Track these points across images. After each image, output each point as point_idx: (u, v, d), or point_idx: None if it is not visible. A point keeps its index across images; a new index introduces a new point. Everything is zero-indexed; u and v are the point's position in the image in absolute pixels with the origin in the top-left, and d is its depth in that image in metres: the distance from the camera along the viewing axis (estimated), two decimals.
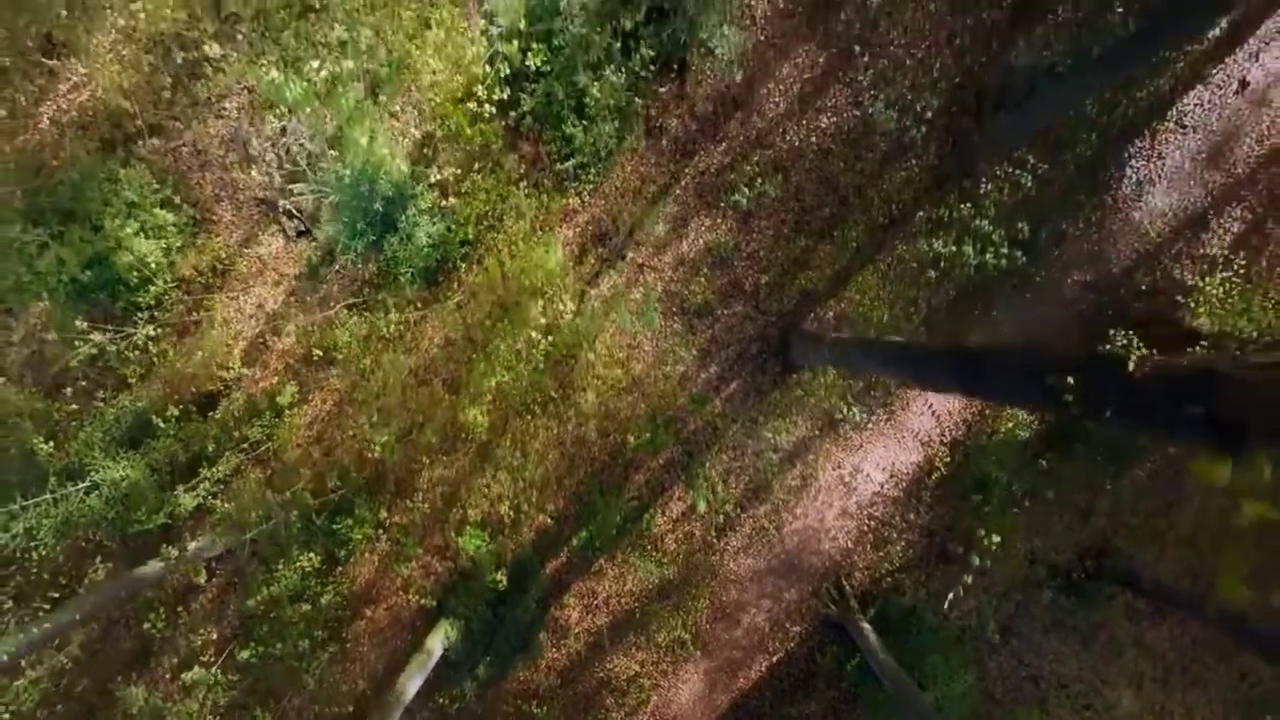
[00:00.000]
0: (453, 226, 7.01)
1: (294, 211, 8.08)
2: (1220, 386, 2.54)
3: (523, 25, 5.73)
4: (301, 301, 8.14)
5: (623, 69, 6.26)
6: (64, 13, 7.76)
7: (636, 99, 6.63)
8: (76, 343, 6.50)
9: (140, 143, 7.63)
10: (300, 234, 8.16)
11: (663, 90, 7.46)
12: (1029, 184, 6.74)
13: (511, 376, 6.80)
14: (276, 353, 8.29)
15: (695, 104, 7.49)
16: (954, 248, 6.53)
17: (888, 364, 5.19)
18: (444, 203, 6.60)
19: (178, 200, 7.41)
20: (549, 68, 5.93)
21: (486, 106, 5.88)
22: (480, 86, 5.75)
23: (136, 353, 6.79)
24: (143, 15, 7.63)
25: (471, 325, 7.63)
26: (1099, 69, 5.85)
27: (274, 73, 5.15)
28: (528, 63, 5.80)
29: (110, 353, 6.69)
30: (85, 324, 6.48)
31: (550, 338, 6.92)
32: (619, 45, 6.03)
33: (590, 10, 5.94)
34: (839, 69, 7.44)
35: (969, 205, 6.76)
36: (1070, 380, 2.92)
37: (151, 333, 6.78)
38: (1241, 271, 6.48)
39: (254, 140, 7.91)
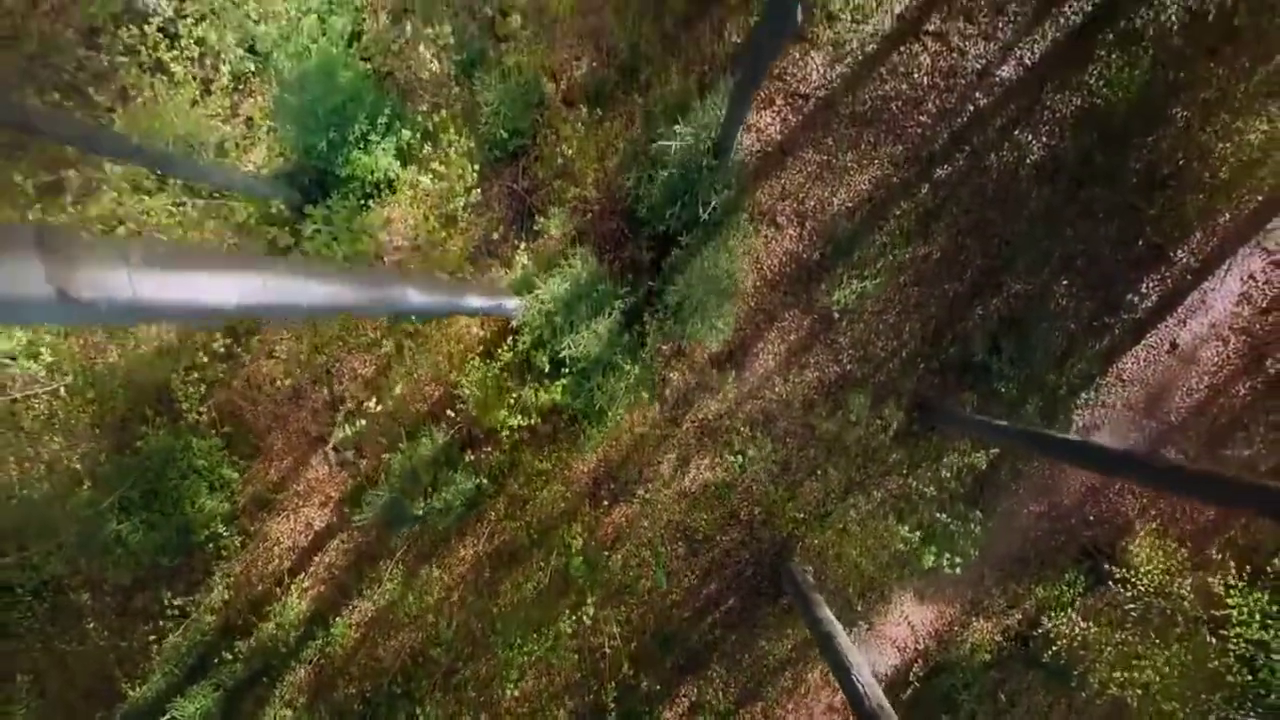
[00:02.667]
0: (483, 485, 8.03)
1: (337, 446, 9.10)
2: None
3: (546, 365, 6.74)
4: (345, 523, 9.15)
5: (634, 373, 7.27)
6: None
7: (643, 391, 7.63)
8: (164, 623, 7.51)
9: (201, 388, 8.61)
10: (343, 464, 9.17)
11: (665, 348, 8.50)
12: (984, 464, 7.78)
13: (539, 652, 7.82)
14: (324, 565, 9.30)
15: (694, 362, 8.51)
16: (917, 535, 7.56)
17: (843, 683, 6.12)
18: (481, 482, 7.61)
19: (237, 459, 8.40)
20: (572, 398, 6.94)
21: (512, 422, 6.91)
22: (510, 417, 6.78)
23: (211, 613, 7.80)
24: None
25: (499, 553, 8.66)
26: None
27: (341, 432, 6.16)
28: (554, 397, 6.82)
29: (190, 610, 7.70)
30: (169, 594, 7.49)
31: (574, 616, 7.93)
32: (632, 369, 7.02)
33: (602, 336, 6.94)
34: (821, 332, 8.46)
35: (932, 486, 7.80)
36: None
37: (226, 596, 7.78)
38: (1166, 538, 7.49)
39: (304, 384, 8.94)
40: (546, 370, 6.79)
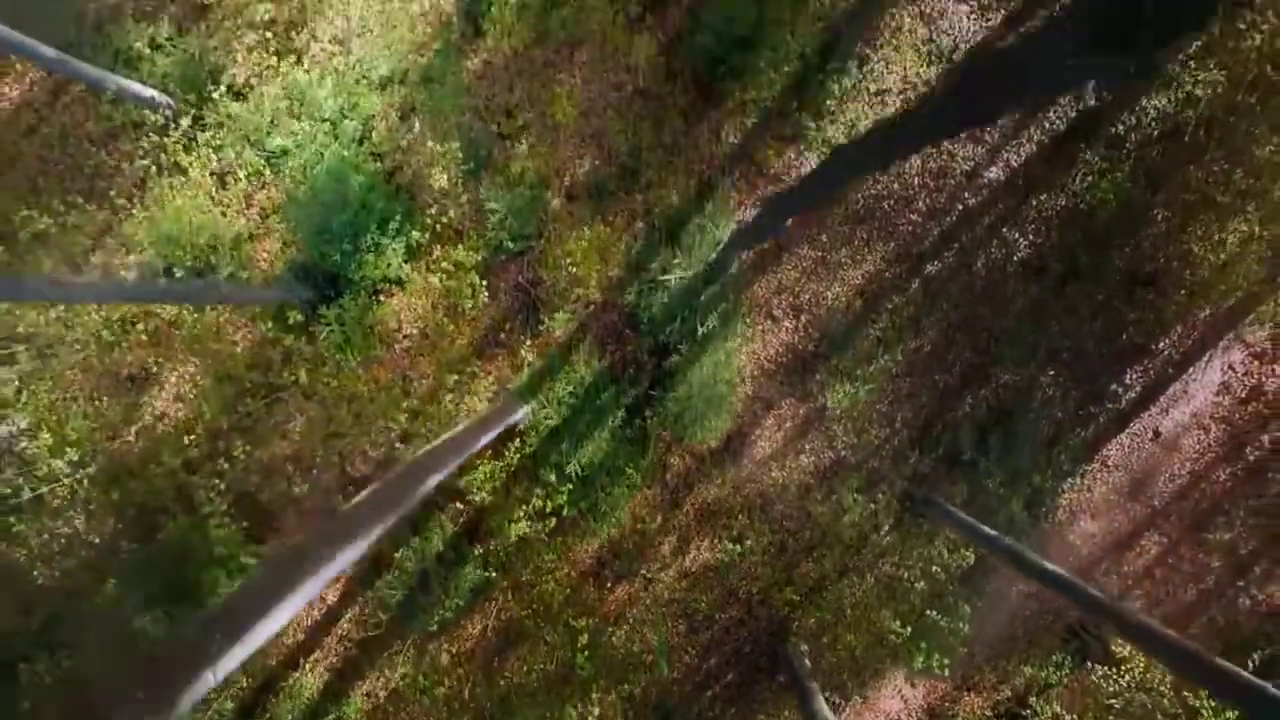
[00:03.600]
0: (493, 577, 8.34)
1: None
2: None
3: (553, 477, 7.06)
4: (357, 599, 9.46)
5: (636, 479, 7.58)
6: (151, 359, 9.07)
7: (645, 485, 7.95)
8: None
9: (220, 462, 8.89)
10: None
11: (665, 434, 8.81)
12: (971, 560, 8.09)
13: None
14: (337, 639, 9.62)
15: (694, 450, 8.82)
16: (908, 630, 7.88)
17: None
18: (490, 575, 7.92)
19: (255, 545, 8.72)
20: (578, 503, 7.26)
21: (519, 530, 7.25)
22: (517, 525, 7.10)
23: (231, 700, 8.13)
24: (215, 358, 8.86)
25: (507, 632, 8.98)
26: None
27: None
28: (561, 503, 7.14)
29: (212, 698, 8.03)
30: None
31: (580, 707, 8.25)
32: (635, 475, 7.33)
33: (604, 446, 7.25)
34: (816, 419, 8.76)
35: (923, 580, 8.11)
36: None
37: (244, 681, 8.10)
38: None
39: (318, 466, 9.26)
40: (553, 479, 7.11)
